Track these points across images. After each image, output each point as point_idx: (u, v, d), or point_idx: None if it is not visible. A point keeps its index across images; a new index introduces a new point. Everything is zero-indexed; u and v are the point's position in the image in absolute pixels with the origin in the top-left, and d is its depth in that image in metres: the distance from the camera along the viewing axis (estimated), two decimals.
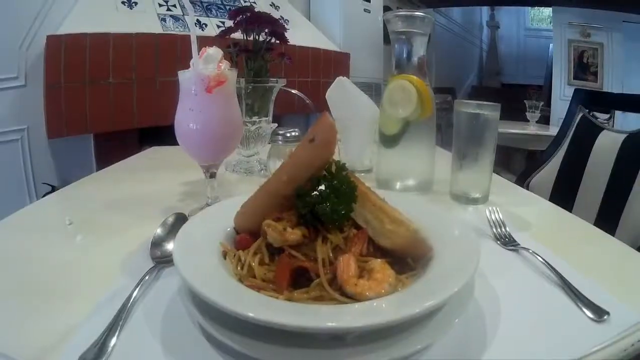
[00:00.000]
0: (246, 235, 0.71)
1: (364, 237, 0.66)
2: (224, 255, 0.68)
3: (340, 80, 1.39)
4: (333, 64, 4.20)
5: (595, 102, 2.01)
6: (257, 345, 0.53)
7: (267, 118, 1.36)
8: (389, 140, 1.22)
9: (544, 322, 0.62)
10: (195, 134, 0.95)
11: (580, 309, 0.64)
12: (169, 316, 0.62)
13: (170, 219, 0.87)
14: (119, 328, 0.57)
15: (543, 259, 0.77)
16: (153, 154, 1.76)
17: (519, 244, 0.86)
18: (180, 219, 0.88)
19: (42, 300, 0.66)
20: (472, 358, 0.56)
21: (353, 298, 0.57)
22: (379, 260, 0.62)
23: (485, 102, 1.13)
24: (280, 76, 1.35)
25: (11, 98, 2.37)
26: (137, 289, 0.66)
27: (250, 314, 0.50)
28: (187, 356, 0.56)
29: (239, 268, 0.65)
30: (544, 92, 5.34)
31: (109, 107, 2.60)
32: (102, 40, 2.56)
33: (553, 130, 4.04)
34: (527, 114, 4.31)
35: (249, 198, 0.72)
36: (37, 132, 2.46)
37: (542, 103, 4.34)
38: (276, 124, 1.38)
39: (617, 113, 3.55)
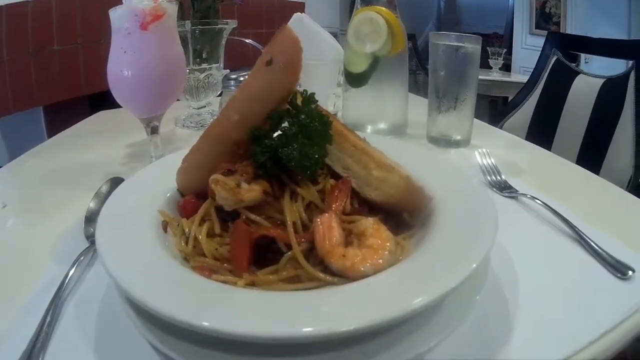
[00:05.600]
0: (192, 197, 0.53)
1: (347, 188, 0.47)
2: (165, 227, 0.49)
3: (299, 16, 1.18)
4: (288, 13, 3.92)
5: (570, 46, 1.87)
6: (210, 356, 0.34)
7: (217, 65, 1.15)
8: (356, 79, 1.05)
9: (566, 284, 0.51)
10: (131, 80, 0.77)
11: (603, 265, 0.53)
12: (105, 314, 0.46)
13: (105, 187, 0.71)
14: (45, 338, 0.42)
15: (548, 206, 0.65)
16: (99, 118, 1.54)
17: (517, 190, 0.74)
18: (117, 185, 0.68)
19: None
20: (495, 337, 0.41)
21: (341, 275, 0.39)
22: (371, 219, 0.44)
23: (465, 34, 0.97)
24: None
25: None
26: (67, 280, 0.51)
27: (201, 323, 0.32)
28: None
29: (183, 243, 0.46)
30: (504, 41, 5.15)
31: (55, 75, 2.33)
32: (45, 6, 2.28)
33: (515, 77, 4.03)
34: (489, 60, 4.09)
35: (192, 148, 0.53)
36: None
37: (505, 50, 4.23)
38: (228, 70, 1.15)
39: (581, 60, 3.41)
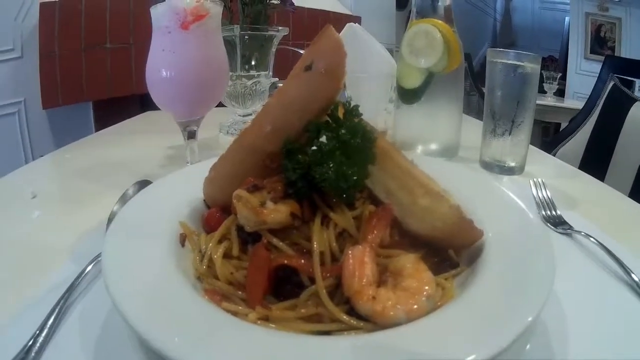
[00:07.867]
0: (217, 211, 0.48)
1: (387, 217, 0.41)
2: (183, 240, 0.45)
3: (352, 26, 1.13)
4: (343, 26, 3.88)
5: (628, 70, 1.79)
6: None
7: (266, 72, 1.10)
8: (408, 95, 0.99)
9: (618, 340, 0.42)
10: (168, 80, 0.74)
11: None
12: (109, 325, 0.41)
13: (132, 190, 0.67)
14: (45, 340, 0.39)
15: (604, 246, 0.58)
16: (145, 118, 1.55)
17: (571, 227, 0.66)
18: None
19: None
20: None
21: (369, 320, 0.33)
22: (411, 255, 0.38)
23: (524, 52, 0.90)
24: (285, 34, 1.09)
25: (7, 70, 2.13)
26: (80, 280, 0.48)
27: None
28: None
29: (198, 261, 0.41)
30: (559, 65, 5.00)
31: (106, 73, 2.36)
32: (98, 4, 2.31)
33: (569, 102, 3.87)
34: (544, 84, 3.97)
35: (221, 156, 0.48)
36: (35, 105, 2.22)
37: (559, 74, 4.07)
38: (277, 79, 1.11)
39: (635, 89, 3.28)
